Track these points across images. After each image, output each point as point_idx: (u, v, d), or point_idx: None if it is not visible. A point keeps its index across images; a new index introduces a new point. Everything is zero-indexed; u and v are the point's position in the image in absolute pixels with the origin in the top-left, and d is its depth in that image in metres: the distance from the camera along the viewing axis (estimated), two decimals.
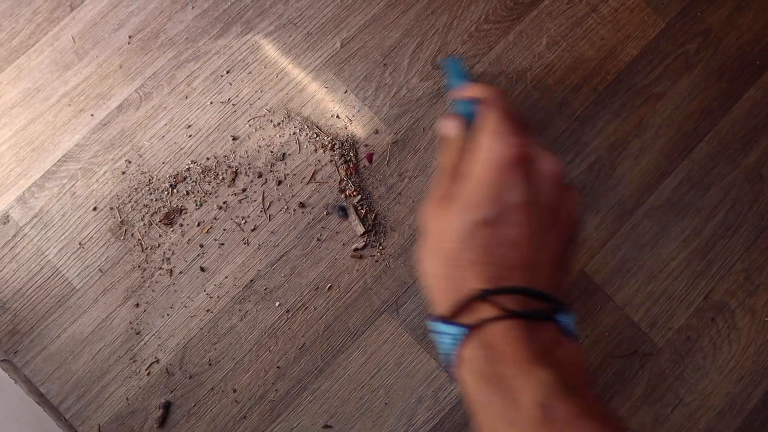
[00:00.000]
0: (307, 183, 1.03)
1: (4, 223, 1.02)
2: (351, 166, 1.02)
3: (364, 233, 1.02)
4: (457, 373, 0.39)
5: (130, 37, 1.07)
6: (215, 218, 1.03)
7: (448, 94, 0.54)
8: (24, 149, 1.04)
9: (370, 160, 1.03)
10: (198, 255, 1.02)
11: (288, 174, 1.04)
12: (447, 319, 0.39)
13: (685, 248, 1.04)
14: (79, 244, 1.02)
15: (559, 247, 0.38)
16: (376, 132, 1.05)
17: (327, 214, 1.02)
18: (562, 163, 0.41)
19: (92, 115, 1.05)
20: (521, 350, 0.33)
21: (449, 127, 0.48)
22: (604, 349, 1.01)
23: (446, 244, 0.36)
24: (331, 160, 1.04)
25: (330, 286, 1.02)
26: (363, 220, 1.02)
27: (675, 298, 1.03)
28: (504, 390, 0.32)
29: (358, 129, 1.05)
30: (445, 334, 0.39)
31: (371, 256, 1.02)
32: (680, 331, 1.02)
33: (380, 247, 1.02)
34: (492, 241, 0.35)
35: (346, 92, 1.06)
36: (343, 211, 1.02)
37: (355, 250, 1.01)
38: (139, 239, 1.02)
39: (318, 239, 1.02)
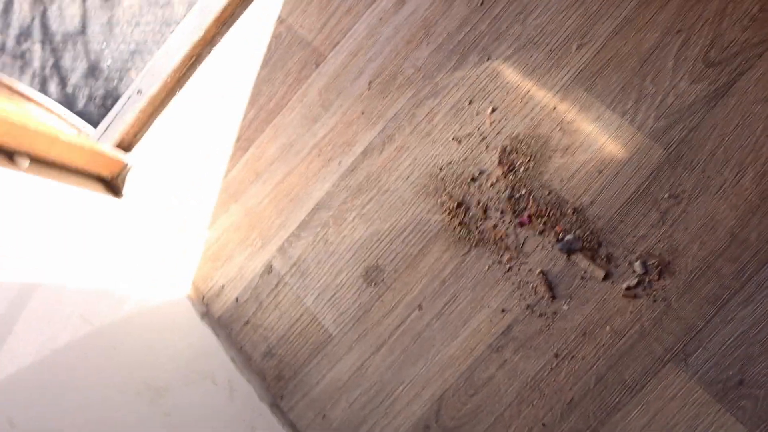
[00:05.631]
0: (562, 216, 1.18)
1: (269, 273, 1.37)
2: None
3: (605, 277, 1.13)
4: None
5: (369, 82, 1.38)
6: (467, 258, 1.23)
7: None
8: (282, 201, 1.39)
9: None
10: (450, 300, 1.23)
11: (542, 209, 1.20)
12: None
13: None
14: (334, 291, 1.32)
15: None
16: (641, 150, 1.16)
17: (567, 257, 1.15)
18: None
19: (340, 163, 1.36)
20: None
21: None
22: None
23: None
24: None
25: (600, 332, 1.13)
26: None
27: None
28: None
29: (618, 149, 1.17)
30: None
31: (648, 294, 1.11)
32: None
33: (659, 284, 1.10)
34: None
35: (601, 109, 1.20)
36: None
37: (628, 288, 1.12)
38: (390, 285, 1.27)
39: (582, 277, 1.15)
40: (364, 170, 1.36)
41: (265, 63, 1.48)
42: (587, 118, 1.21)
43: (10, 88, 1.51)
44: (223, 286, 1.42)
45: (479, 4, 1.32)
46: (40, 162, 1.41)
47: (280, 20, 1.49)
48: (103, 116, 1.79)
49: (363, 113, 1.38)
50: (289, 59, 1.47)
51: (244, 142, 1.47)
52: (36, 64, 1.93)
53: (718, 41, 1.16)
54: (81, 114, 1.76)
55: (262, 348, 1.37)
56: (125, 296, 1.31)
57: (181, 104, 1.55)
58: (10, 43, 1.96)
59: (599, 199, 1.18)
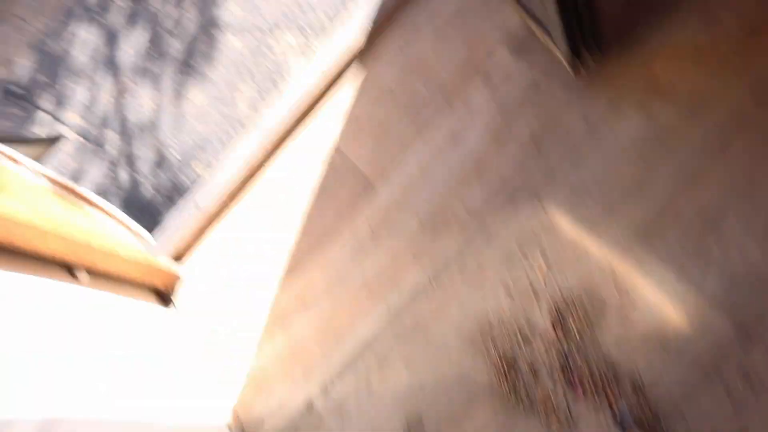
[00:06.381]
0: (621, 393, 1.08)
1: (310, 413, 1.33)
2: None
3: None
4: None
5: (421, 221, 1.33)
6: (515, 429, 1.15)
7: None
8: (328, 337, 1.37)
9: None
10: None
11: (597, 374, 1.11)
12: None
13: None
14: None
15: None
16: (706, 322, 1.04)
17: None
18: None
19: (388, 306, 1.31)
20: None
21: None
22: None
23: None
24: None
25: None
26: None
27: None
28: None
29: (683, 320, 1.06)
30: None
31: None
32: None
33: None
34: None
35: (662, 271, 1.09)
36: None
37: None
38: None
39: None
40: (412, 316, 1.30)
41: (318, 189, 1.46)
42: (646, 282, 1.12)
43: (71, 191, 1.55)
44: (263, 420, 1.38)
45: (534, 149, 1.25)
46: (97, 274, 1.43)
47: (335, 148, 1.47)
48: (166, 207, 1.84)
49: (414, 256, 1.33)
50: (341, 188, 1.44)
51: (293, 269, 1.44)
52: (114, 152, 2.02)
53: None
54: (145, 205, 1.80)
55: None
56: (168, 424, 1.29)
57: (235, 222, 1.55)
58: (93, 130, 2.06)
59: (663, 379, 1.07)
